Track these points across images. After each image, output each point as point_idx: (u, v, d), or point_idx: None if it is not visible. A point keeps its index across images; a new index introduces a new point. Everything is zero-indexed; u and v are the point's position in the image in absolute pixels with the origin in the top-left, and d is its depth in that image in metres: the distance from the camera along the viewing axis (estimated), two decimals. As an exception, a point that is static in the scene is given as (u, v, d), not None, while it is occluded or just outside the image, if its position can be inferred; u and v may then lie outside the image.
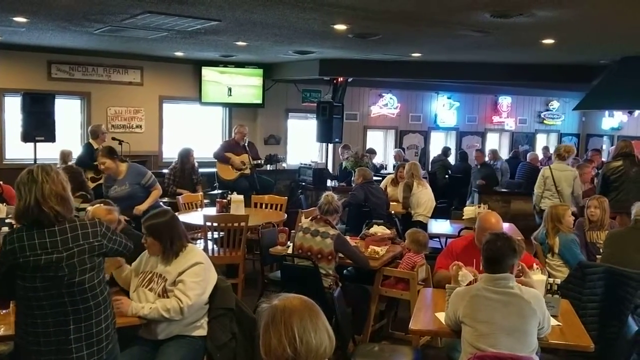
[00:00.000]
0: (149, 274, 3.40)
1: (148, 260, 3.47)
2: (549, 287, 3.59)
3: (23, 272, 2.55)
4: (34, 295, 2.56)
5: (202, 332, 3.40)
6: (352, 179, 9.51)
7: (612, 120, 15.33)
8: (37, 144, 8.19)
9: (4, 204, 5.48)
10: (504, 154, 14.00)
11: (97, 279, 2.65)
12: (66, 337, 2.58)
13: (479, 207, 6.81)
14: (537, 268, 3.95)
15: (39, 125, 8.12)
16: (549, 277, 4.00)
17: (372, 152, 11.13)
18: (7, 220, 4.77)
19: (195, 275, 3.29)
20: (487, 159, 12.87)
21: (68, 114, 9.54)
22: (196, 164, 8.61)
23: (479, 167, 10.44)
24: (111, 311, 2.78)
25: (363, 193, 7.04)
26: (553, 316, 3.36)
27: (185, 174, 8.26)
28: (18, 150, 8.86)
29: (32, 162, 7.13)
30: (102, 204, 4.04)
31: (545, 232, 5.05)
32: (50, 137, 8.27)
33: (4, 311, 3.15)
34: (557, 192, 7.13)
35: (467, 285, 3.47)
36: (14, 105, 8.76)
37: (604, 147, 14.83)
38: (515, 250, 3.19)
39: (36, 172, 2.59)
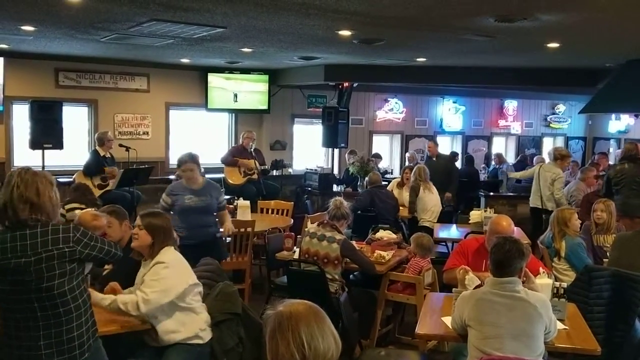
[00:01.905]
0: (135, 286, 3.40)
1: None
2: (555, 291, 3.59)
3: None
4: (5, 298, 2.57)
5: (200, 340, 3.39)
6: (358, 183, 9.55)
7: (618, 123, 15.29)
8: (45, 151, 8.25)
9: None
10: (511, 158, 13.97)
11: (68, 286, 2.58)
12: (36, 342, 2.56)
13: (485, 211, 6.80)
14: (544, 272, 3.94)
15: (46, 132, 8.17)
16: (556, 280, 4.00)
17: (378, 156, 11.14)
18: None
19: (154, 273, 3.28)
20: (493, 162, 12.89)
21: (75, 121, 9.59)
22: (202, 169, 8.65)
23: (433, 159, 9.31)
24: (88, 319, 2.70)
25: (369, 198, 7.05)
26: (560, 320, 3.36)
27: None
28: (26, 158, 8.90)
29: (40, 170, 7.19)
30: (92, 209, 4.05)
31: (551, 236, 5.04)
32: (58, 144, 8.32)
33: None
34: (540, 191, 7.53)
35: (474, 289, 3.47)
36: (22, 112, 8.82)
37: (611, 150, 14.78)
38: (524, 253, 3.20)
39: (12, 174, 2.60)
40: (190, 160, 5.28)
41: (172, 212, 5.13)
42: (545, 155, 13.45)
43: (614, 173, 6.93)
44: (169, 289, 3.27)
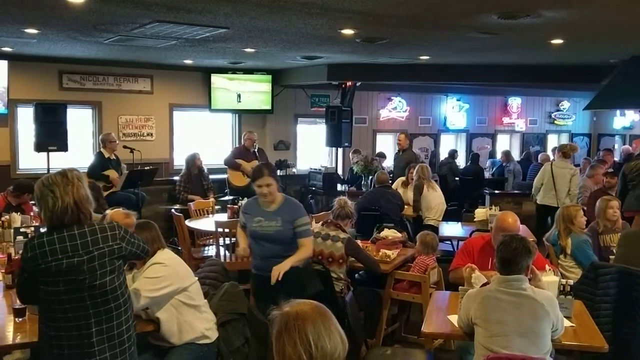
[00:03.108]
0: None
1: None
2: (561, 288, 3.58)
3: (45, 277, 2.59)
4: (56, 299, 2.60)
5: (208, 340, 3.40)
6: (362, 182, 9.54)
7: (623, 119, 15.23)
8: (50, 153, 8.27)
9: (19, 213, 5.55)
10: (515, 155, 13.94)
11: (117, 282, 2.68)
12: (89, 339, 2.62)
13: (490, 209, 6.79)
14: (550, 269, 3.94)
15: (51, 135, 8.19)
16: (562, 278, 3.98)
17: (382, 156, 11.13)
18: (21, 230, 4.83)
19: (152, 272, 3.27)
20: (498, 158, 12.86)
21: (80, 123, 9.61)
22: (205, 169, 8.68)
23: (400, 153, 9.15)
24: (132, 313, 2.81)
25: (374, 197, 7.04)
26: (566, 317, 3.35)
27: (193, 179, 8.36)
28: (31, 160, 8.94)
29: (46, 172, 7.18)
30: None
31: (557, 233, 5.02)
32: (63, 146, 8.34)
33: (20, 319, 3.20)
34: (554, 189, 7.46)
35: (480, 287, 3.46)
36: (26, 115, 8.85)
37: (616, 146, 14.73)
38: (530, 251, 3.20)
39: (70, 175, 2.67)
40: (267, 172, 4.01)
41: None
42: (549, 152, 13.46)
43: (628, 169, 6.85)
44: (167, 286, 3.26)
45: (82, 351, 2.62)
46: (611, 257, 4.84)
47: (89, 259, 2.59)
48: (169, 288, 3.27)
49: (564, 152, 7.74)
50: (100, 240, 2.63)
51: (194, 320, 3.36)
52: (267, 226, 4.02)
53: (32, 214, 5.72)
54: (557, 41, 6.94)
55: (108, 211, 4.09)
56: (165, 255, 3.38)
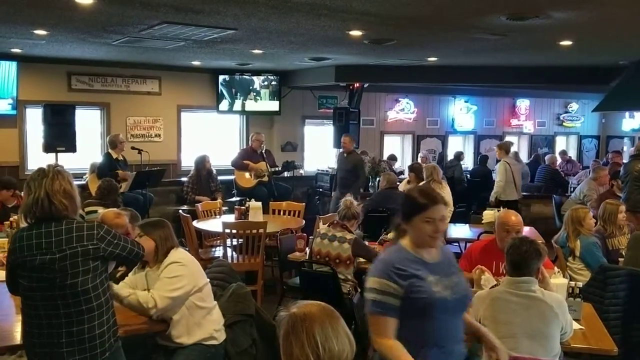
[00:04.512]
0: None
1: (140, 280, 3.41)
2: (570, 291, 3.55)
3: (22, 271, 2.59)
4: (30, 294, 2.59)
5: (215, 341, 3.39)
6: (370, 184, 9.52)
7: (632, 121, 15.13)
8: (59, 154, 8.30)
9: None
10: (523, 158, 13.87)
11: (91, 283, 2.59)
12: (58, 340, 2.57)
13: (498, 210, 6.74)
14: (558, 271, 3.91)
15: (59, 136, 8.22)
16: (571, 280, 3.96)
17: (393, 158, 11.13)
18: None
19: (170, 271, 3.25)
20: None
21: (88, 124, 9.65)
22: (214, 171, 8.69)
23: (345, 155, 8.54)
24: (109, 318, 2.70)
25: (382, 199, 7.03)
26: (575, 320, 3.33)
27: (202, 180, 8.38)
28: (40, 161, 8.95)
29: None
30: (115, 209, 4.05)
31: (566, 235, 4.99)
32: (71, 147, 8.37)
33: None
34: (514, 184, 8.23)
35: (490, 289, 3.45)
36: (35, 116, 8.89)
37: (625, 148, 14.64)
38: (540, 253, 3.18)
39: (48, 169, 2.66)
40: (442, 199, 2.53)
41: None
42: (558, 154, 13.37)
43: (622, 170, 7.17)
44: (185, 285, 3.25)
45: (52, 351, 2.58)
46: (620, 259, 4.81)
47: (61, 258, 2.54)
48: (187, 287, 3.26)
49: (508, 150, 8.57)
50: (74, 239, 2.57)
51: (203, 322, 3.36)
52: (453, 286, 2.49)
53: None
54: (566, 42, 6.91)
55: (100, 210, 4.07)
56: (181, 255, 3.36)
